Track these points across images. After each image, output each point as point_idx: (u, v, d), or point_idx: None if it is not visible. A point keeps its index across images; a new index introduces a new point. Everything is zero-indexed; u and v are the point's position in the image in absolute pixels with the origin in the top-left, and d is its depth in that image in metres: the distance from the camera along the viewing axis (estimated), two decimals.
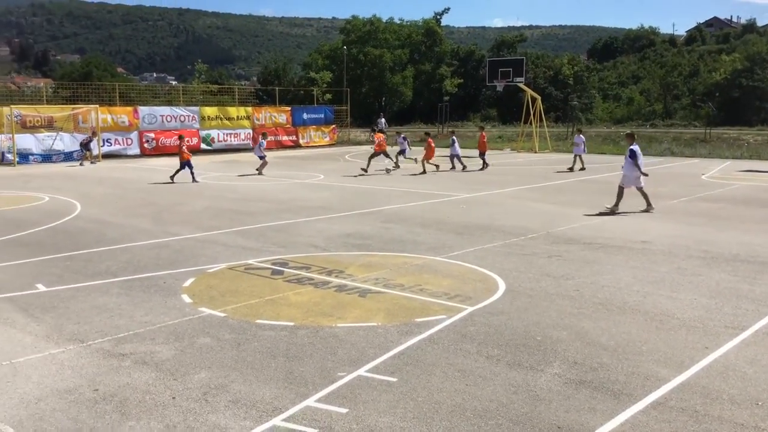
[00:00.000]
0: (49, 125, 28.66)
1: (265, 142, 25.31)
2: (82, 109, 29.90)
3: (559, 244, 11.03)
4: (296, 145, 38.32)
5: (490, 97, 67.76)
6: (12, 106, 28.28)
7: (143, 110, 32.48)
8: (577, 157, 24.57)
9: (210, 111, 35.48)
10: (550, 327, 6.79)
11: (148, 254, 10.24)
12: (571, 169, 24.06)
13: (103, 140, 29.87)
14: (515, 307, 7.46)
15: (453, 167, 24.81)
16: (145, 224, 13.04)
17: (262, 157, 23.73)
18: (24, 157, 27.46)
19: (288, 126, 38.65)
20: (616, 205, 14.57)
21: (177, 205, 15.64)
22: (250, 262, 9.71)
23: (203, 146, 34.07)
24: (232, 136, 35.81)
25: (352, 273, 9.02)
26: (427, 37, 69.16)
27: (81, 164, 27.29)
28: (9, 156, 27.20)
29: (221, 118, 35.58)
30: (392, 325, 6.81)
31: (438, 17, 71.72)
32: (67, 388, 5.29)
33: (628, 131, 17.82)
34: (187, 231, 12.21)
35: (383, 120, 45.49)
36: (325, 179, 21.68)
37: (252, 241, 11.25)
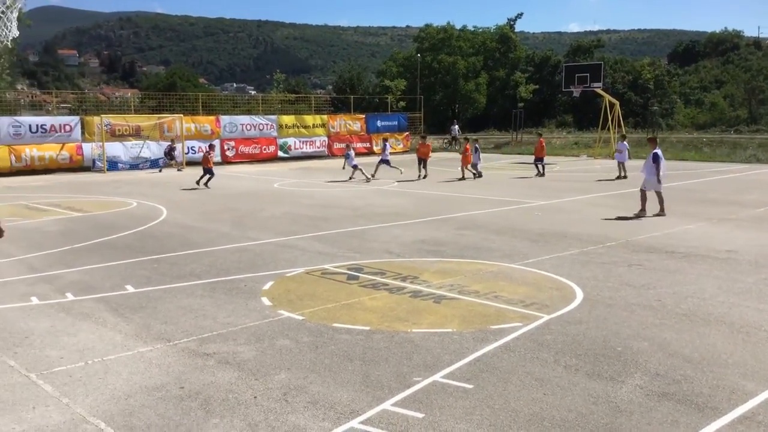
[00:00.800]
0: (137, 134, 29.95)
1: (352, 153, 25.62)
2: (167, 118, 31.11)
3: (639, 252, 10.71)
4: (370, 152, 38.65)
5: (565, 102, 66.49)
6: (102, 115, 29.75)
7: (224, 119, 33.55)
8: (621, 165, 23.53)
9: (287, 119, 36.27)
10: (630, 337, 6.61)
11: (229, 258, 10.55)
12: (618, 178, 23.12)
13: (188, 148, 30.96)
14: (594, 317, 7.30)
15: (477, 175, 24.10)
16: (226, 229, 13.43)
17: (354, 166, 24.14)
18: (113, 164, 28.78)
19: (362, 133, 39.08)
20: (643, 209, 14.71)
21: (256, 211, 16.04)
22: (326, 266, 9.86)
23: (280, 154, 34.85)
24: (308, 143, 36.48)
25: (427, 279, 9.03)
26: (501, 44, 68.50)
27: (160, 171, 28.37)
28: (99, 163, 28.57)
29: (298, 126, 36.31)
30: (467, 332, 6.78)
31: (512, 23, 70.94)
32: (155, 385, 5.50)
33: (650, 135, 18.14)
34: (267, 236, 12.51)
35: (457, 127, 45.38)
36: (399, 186, 21.78)
37: (328, 247, 11.42)
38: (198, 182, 21.48)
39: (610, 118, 34.32)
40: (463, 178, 23.73)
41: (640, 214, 14.56)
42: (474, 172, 24.33)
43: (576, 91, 35.75)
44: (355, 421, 4.81)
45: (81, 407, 5.08)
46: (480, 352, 6.20)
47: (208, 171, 21.46)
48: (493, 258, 10.36)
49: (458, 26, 69.29)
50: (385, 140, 26.69)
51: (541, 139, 26.01)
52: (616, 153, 24.37)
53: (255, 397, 5.25)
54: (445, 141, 45.77)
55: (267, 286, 8.68)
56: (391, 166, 25.06)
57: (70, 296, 8.25)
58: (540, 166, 24.81)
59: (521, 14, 75.08)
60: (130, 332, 6.88)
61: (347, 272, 9.48)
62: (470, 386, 5.41)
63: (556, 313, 7.42)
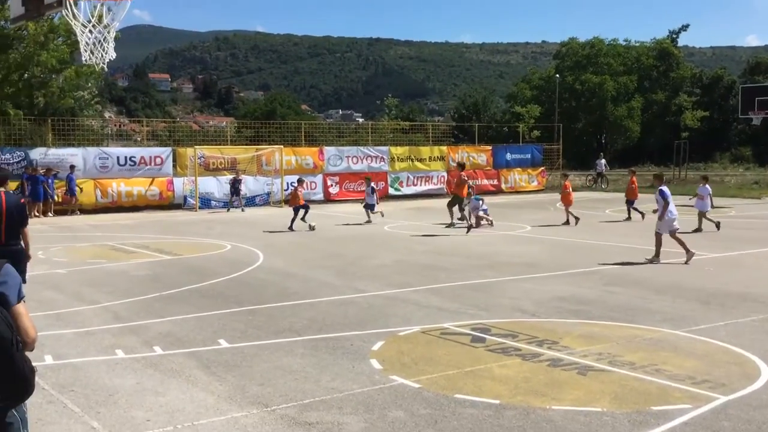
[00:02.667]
0: (232, 167, 31.34)
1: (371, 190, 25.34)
2: (266, 150, 32.42)
3: None
4: (498, 191, 38.52)
5: (742, 132, 63.79)
6: (196, 147, 31.39)
7: (329, 151, 34.57)
8: (701, 216, 21.28)
9: (400, 151, 36.85)
10: None
11: (334, 312, 10.76)
12: (698, 230, 20.91)
13: (287, 184, 32.03)
14: None
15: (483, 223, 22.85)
16: (329, 278, 13.73)
17: (367, 206, 24.74)
18: (205, 201, 30.22)
19: (488, 168, 39.07)
20: (657, 255, 15.32)
21: (364, 258, 16.32)
22: (446, 325, 9.85)
23: (391, 191, 35.29)
24: (424, 179, 36.85)
25: (569, 345, 8.82)
26: (660, 61, 67.02)
27: (228, 210, 29.42)
28: (191, 200, 30.05)
29: (412, 160, 36.80)
30: (621, 413, 6.54)
31: (674, 36, 69.43)
32: None
33: (656, 172, 18.33)
34: (376, 287, 12.67)
35: (603, 161, 44.49)
36: (532, 231, 21.54)
37: (448, 302, 11.42)
38: (291, 227, 21.75)
39: None
40: (567, 222, 23.19)
41: (653, 260, 15.32)
42: (462, 221, 22.25)
43: (756, 119, 34.33)
44: None
45: None
46: None
47: (302, 208, 22.04)
48: (653, 322, 10.00)
49: (607, 40, 68.41)
50: (369, 181, 26.36)
51: (633, 178, 25.69)
52: (696, 199, 21.88)
53: None
54: (589, 178, 44.93)
55: (377, 347, 8.77)
56: (372, 212, 24.64)
57: (158, 350, 8.67)
58: (629, 209, 24.71)
59: (687, 26, 73.14)
60: (224, 394, 7.13)
61: (472, 333, 9.42)
62: None
63: (735, 393, 7.03)
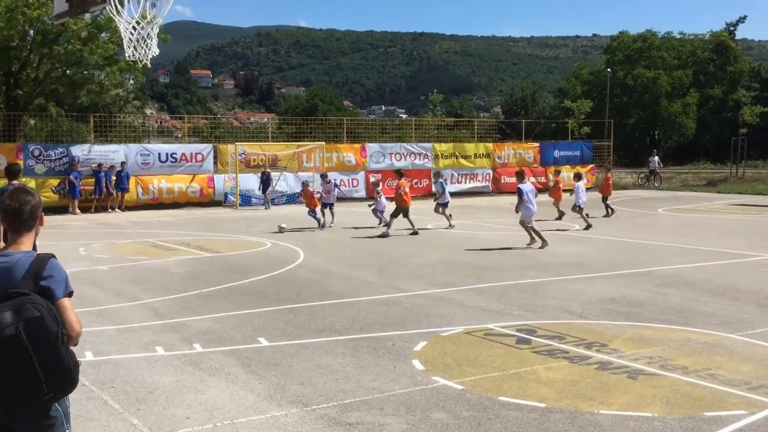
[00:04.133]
0: (273, 164, 31.61)
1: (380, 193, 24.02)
2: (307, 146, 32.62)
3: None
4: (545, 188, 38.18)
5: None
6: (237, 143, 31.73)
7: (371, 147, 34.63)
8: (576, 210, 21.99)
9: (444, 148, 36.77)
10: None
11: (375, 311, 10.80)
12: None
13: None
14: None
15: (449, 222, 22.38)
16: (371, 277, 13.78)
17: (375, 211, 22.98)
18: (246, 198, 30.53)
19: (535, 165, 38.76)
20: (533, 239, 17.63)
21: (406, 257, 16.33)
22: (490, 326, 9.82)
23: (434, 189, 35.19)
24: (469, 177, 36.71)
25: (618, 348, 8.73)
26: (716, 54, 65.82)
27: (266, 208, 29.61)
28: (231, 197, 30.39)
29: (456, 156, 36.70)
30: (673, 418, 6.46)
31: (731, 29, 68.13)
32: None
33: (518, 169, 20.72)
34: (418, 287, 12.67)
35: (656, 159, 43.85)
36: (580, 230, 21.33)
37: (492, 302, 11.38)
38: (320, 226, 21.81)
39: None
40: (559, 218, 24.12)
41: (531, 244, 17.62)
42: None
43: None
44: None
45: None
46: None
47: (325, 206, 22.12)
48: (707, 325, 9.84)
49: (661, 33, 67.47)
50: (376, 182, 26.06)
51: (609, 174, 27.28)
52: None
53: None
54: (641, 176, 44.34)
55: (419, 347, 8.78)
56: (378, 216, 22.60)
57: (198, 347, 8.80)
58: (606, 206, 25.54)
59: (744, 17, 71.71)
60: (263, 392, 7.20)
61: (517, 334, 9.38)
62: None
63: None
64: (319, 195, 22.71)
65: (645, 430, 6.21)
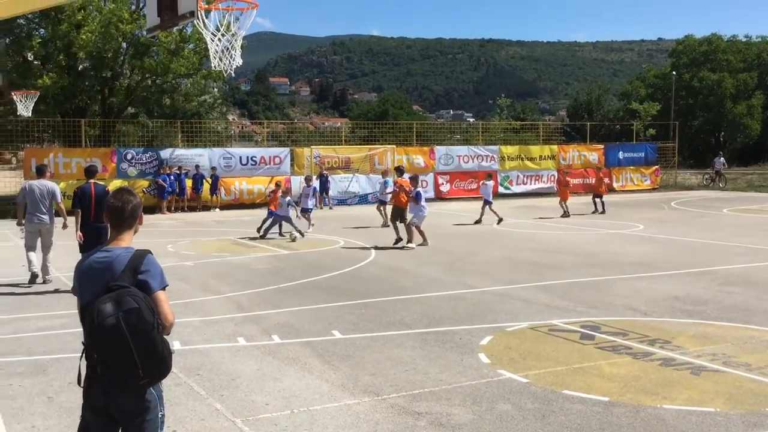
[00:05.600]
0: (346, 166, 31.91)
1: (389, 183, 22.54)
2: (378, 149, 32.81)
3: None
4: (610, 189, 37.53)
5: None
6: (312, 147, 32.14)
7: (439, 150, 34.62)
8: (484, 206, 23.38)
9: (510, 150, 36.48)
10: None
11: (443, 306, 10.81)
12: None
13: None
14: None
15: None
16: (438, 274, 13.79)
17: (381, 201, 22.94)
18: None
19: (600, 167, 38.06)
20: (414, 240, 17.60)
21: (472, 255, 16.28)
22: (554, 322, 9.73)
23: (501, 189, 35.00)
24: (534, 178, 36.35)
25: (681, 345, 8.55)
26: None
27: (330, 208, 29.21)
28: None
29: (522, 158, 36.38)
30: (735, 414, 6.30)
31: None
32: None
33: (411, 175, 20.68)
34: (484, 283, 12.63)
35: (722, 160, 42.62)
36: (645, 230, 20.90)
37: (557, 299, 11.26)
38: (263, 233, 19.65)
39: None
40: (566, 215, 24.79)
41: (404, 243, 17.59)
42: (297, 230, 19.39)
43: None
44: None
45: None
46: None
47: (271, 214, 19.75)
48: None
49: (726, 36, 65.55)
50: (384, 176, 24.40)
51: (601, 174, 27.99)
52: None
53: None
54: (706, 177, 43.14)
55: (485, 341, 8.76)
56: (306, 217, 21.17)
57: (276, 339, 8.97)
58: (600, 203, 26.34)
59: None
60: (337, 382, 7.31)
61: (581, 330, 9.27)
62: None
63: None
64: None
65: (707, 424, 6.09)
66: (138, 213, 4.14)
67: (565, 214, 24.81)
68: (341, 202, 31.13)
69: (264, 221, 19.80)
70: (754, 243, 17.68)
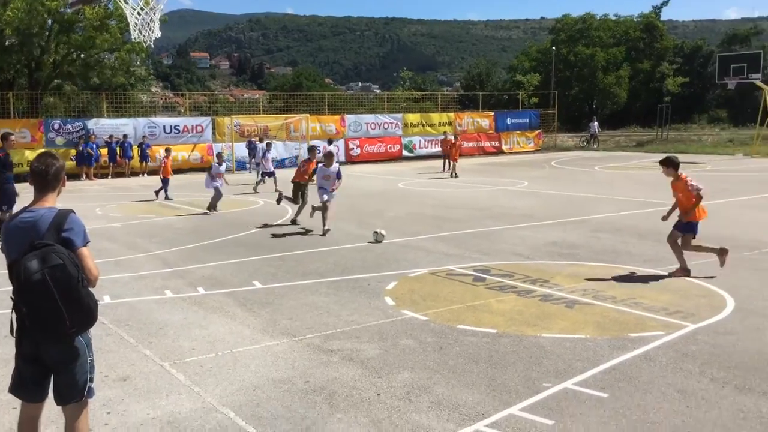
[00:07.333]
0: (264, 134, 31.34)
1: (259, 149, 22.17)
2: (294, 118, 32.40)
3: None
4: (499, 152, 38.32)
5: (719, 96, 62.73)
6: (232, 116, 31.43)
7: (349, 118, 34.49)
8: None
9: (413, 118, 36.70)
10: None
11: (353, 257, 10.87)
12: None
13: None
14: (746, 327, 6.91)
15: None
16: (350, 228, 13.82)
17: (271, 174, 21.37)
18: (241, 164, 30.31)
19: (491, 132, 38.81)
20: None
21: (381, 211, 16.37)
22: (451, 268, 9.94)
23: (405, 153, 35.30)
24: (434, 142, 36.66)
25: (558, 283, 8.89)
26: (645, 33, 65.71)
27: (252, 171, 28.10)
28: (228, 163, 30.11)
29: (423, 125, 36.65)
30: (603, 339, 6.63)
31: (657, 11, 67.89)
32: (281, 378, 5.81)
33: (326, 152, 16.00)
34: (390, 236, 12.70)
35: (596, 124, 44.01)
36: (529, 186, 21.47)
37: (453, 248, 11.48)
38: (157, 193, 19.60)
39: None
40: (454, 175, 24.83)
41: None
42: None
43: (731, 84, 33.77)
44: (481, 424, 4.85)
45: (211, 396, 5.46)
46: (616, 360, 6.05)
47: (165, 181, 19.53)
48: (633, 263, 10.03)
49: (599, 15, 67.23)
50: (261, 140, 23.39)
51: (453, 141, 27.53)
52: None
53: (378, 395, 5.41)
54: (582, 139, 44.54)
55: (390, 286, 8.88)
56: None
57: (201, 290, 8.83)
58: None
59: (667, 1, 71.38)
60: (258, 326, 7.28)
61: (473, 274, 9.51)
62: (605, 395, 5.31)
63: (703, 322, 7.08)
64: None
65: (579, 349, 6.38)
66: (61, 175, 3.98)
67: (454, 175, 24.94)
68: (258, 166, 30.60)
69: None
70: (621, 195, 18.43)
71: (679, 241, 9.27)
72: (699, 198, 9.18)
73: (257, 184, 21.75)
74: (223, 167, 17.72)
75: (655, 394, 5.32)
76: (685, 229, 9.24)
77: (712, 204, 16.33)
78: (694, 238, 9.23)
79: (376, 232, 11.73)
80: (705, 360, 6.02)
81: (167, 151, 20.76)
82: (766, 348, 6.30)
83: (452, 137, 29.03)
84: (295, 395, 5.45)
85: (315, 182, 13.85)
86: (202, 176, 26.51)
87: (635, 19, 67.99)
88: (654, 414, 4.96)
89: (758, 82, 32.72)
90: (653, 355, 6.17)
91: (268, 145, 22.98)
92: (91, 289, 3.80)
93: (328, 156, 13.74)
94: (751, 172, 25.13)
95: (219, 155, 18.62)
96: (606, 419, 4.89)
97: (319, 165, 13.85)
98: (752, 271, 9.32)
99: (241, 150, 30.39)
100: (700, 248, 9.33)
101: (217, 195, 16.80)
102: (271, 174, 21.44)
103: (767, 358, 6.03)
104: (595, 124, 43.88)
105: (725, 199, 17.40)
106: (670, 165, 9.51)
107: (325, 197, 13.34)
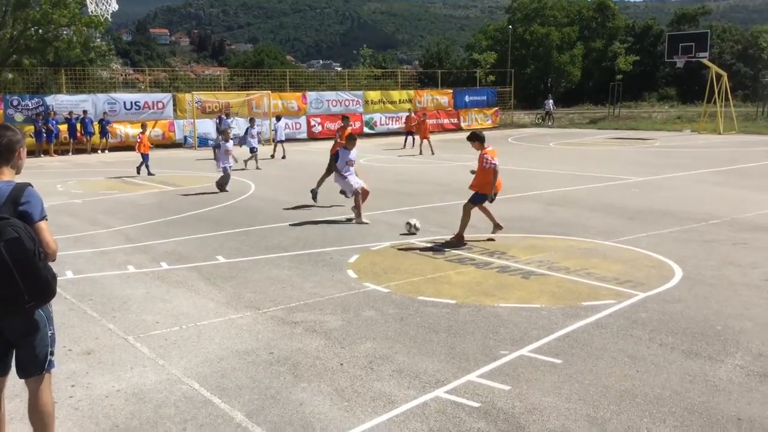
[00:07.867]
0: (226, 111, 30.84)
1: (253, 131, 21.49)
2: (255, 95, 31.99)
3: (745, 231, 10.26)
4: (458, 128, 38.42)
5: (668, 75, 63.75)
6: (194, 93, 30.87)
7: (311, 95, 34.17)
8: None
9: (373, 95, 36.53)
10: (732, 317, 6.38)
11: (316, 231, 10.83)
12: None
13: (274, 124, 31.65)
14: (693, 295, 7.09)
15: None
16: (312, 203, 13.73)
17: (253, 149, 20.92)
18: (203, 140, 29.83)
19: (450, 109, 38.86)
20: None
21: None
22: (412, 241, 9.97)
23: (366, 130, 35.14)
24: (394, 119, 36.60)
25: (515, 255, 8.99)
26: (598, 13, 66.30)
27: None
28: (190, 140, 29.71)
29: (384, 102, 36.52)
30: (557, 308, 6.74)
31: None
32: (246, 350, 5.78)
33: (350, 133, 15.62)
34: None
35: (551, 102, 44.37)
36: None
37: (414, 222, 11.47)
38: (138, 169, 19.27)
39: (716, 91, 32.70)
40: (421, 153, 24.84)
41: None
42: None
43: (680, 62, 34.27)
44: (440, 390, 4.90)
45: (176, 368, 5.41)
46: (570, 328, 6.15)
47: (144, 157, 19.24)
48: (586, 235, 10.18)
49: None
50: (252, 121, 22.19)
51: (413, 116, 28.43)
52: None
53: (341, 365, 5.42)
54: (538, 116, 44.90)
55: (352, 259, 8.88)
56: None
57: (164, 265, 8.71)
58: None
59: None
60: (222, 300, 7.21)
61: (433, 247, 9.55)
62: (559, 361, 5.40)
63: (652, 291, 7.24)
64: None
65: (535, 317, 6.47)
66: (15, 147, 3.81)
67: (431, 152, 24.73)
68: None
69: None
70: (574, 170, 18.66)
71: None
72: (495, 172, 9.89)
73: (248, 159, 20.87)
74: (230, 144, 16.27)
75: (606, 359, 5.43)
76: (474, 200, 9.88)
77: (660, 179, 16.67)
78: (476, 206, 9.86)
79: (409, 223, 10.51)
80: (654, 327, 6.16)
81: (143, 126, 20.45)
82: (712, 315, 6.48)
83: (420, 115, 28.73)
84: (259, 366, 5.43)
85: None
86: (164, 152, 26.19)
87: (589, 0, 68.46)
88: (606, 378, 5.07)
89: (705, 61, 33.28)
90: (605, 322, 6.29)
91: (252, 120, 22.26)
92: (50, 264, 3.70)
93: (351, 139, 12.39)
94: (699, 148, 25.66)
95: (225, 132, 16.71)
96: (560, 384, 4.98)
97: (340, 149, 12.38)
98: (700, 243, 9.54)
99: (203, 126, 29.93)
100: (487, 213, 10.12)
101: (226, 176, 15.77)
102: (253, 150, 20.73)
103: (713, 325, 6.20)
104: (550, 101, 44.27)
105: (674, 173, 17.75)
106: (475, 139, 10.53)
107: (355, 184, 11.84)
